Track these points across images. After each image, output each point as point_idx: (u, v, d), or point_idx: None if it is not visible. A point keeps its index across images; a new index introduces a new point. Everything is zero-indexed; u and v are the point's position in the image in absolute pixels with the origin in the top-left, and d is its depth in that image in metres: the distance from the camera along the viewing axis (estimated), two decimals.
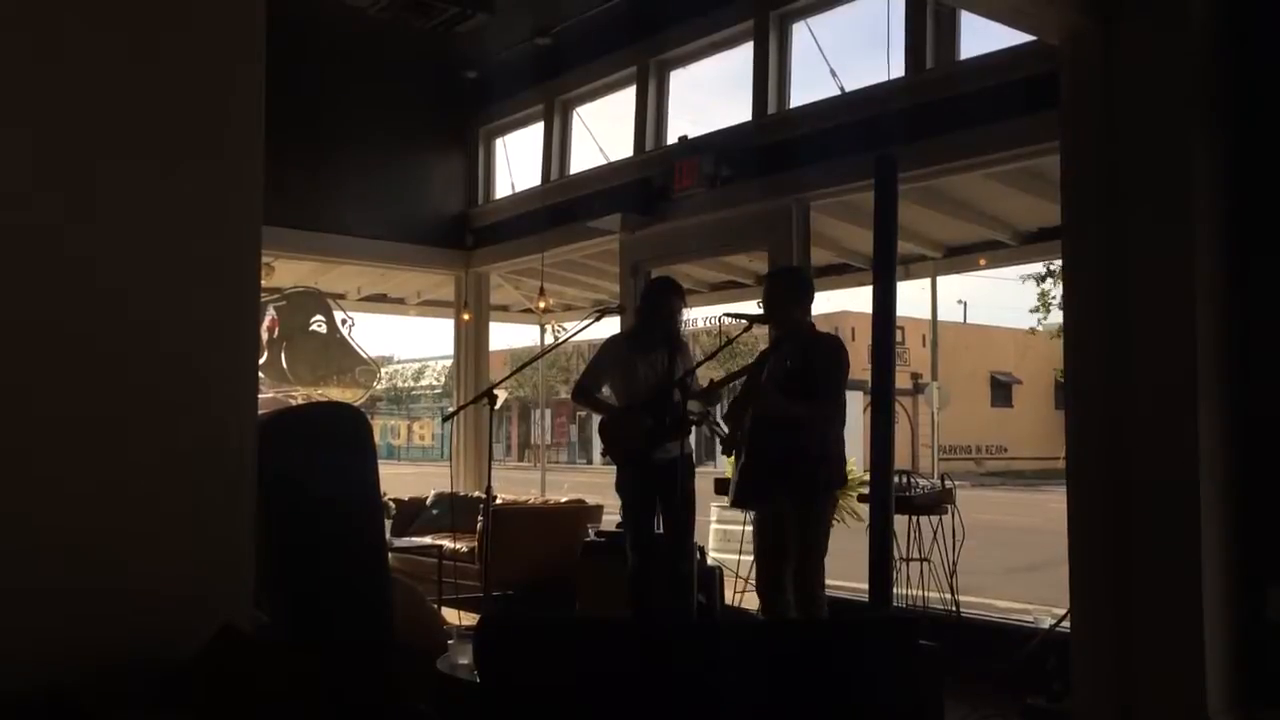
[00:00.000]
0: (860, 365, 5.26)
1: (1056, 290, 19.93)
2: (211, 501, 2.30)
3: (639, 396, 5.15)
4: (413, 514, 8.29)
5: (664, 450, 5.04)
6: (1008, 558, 10.62)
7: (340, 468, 3.22)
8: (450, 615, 5.94)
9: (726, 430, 4.91)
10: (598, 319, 5.91)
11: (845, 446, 4.71)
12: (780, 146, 6.50)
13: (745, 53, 6.88)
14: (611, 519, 6.67)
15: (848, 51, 6.71)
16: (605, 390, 5.46)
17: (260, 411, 2.59)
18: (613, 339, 5.69)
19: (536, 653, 1.84)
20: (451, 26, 7.65)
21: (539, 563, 6.88)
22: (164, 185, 2.28)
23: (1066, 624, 4.35)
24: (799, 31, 6.72)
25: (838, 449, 4.65)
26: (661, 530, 5.27)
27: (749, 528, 4.96)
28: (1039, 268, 20.36)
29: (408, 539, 7.46)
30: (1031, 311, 22.73)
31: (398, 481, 10.11)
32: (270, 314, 9.20)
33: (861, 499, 5.97)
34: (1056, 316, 20.27)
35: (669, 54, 7.55)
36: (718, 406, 5.27)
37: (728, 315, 6.41)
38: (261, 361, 8.67)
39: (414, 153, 9.05)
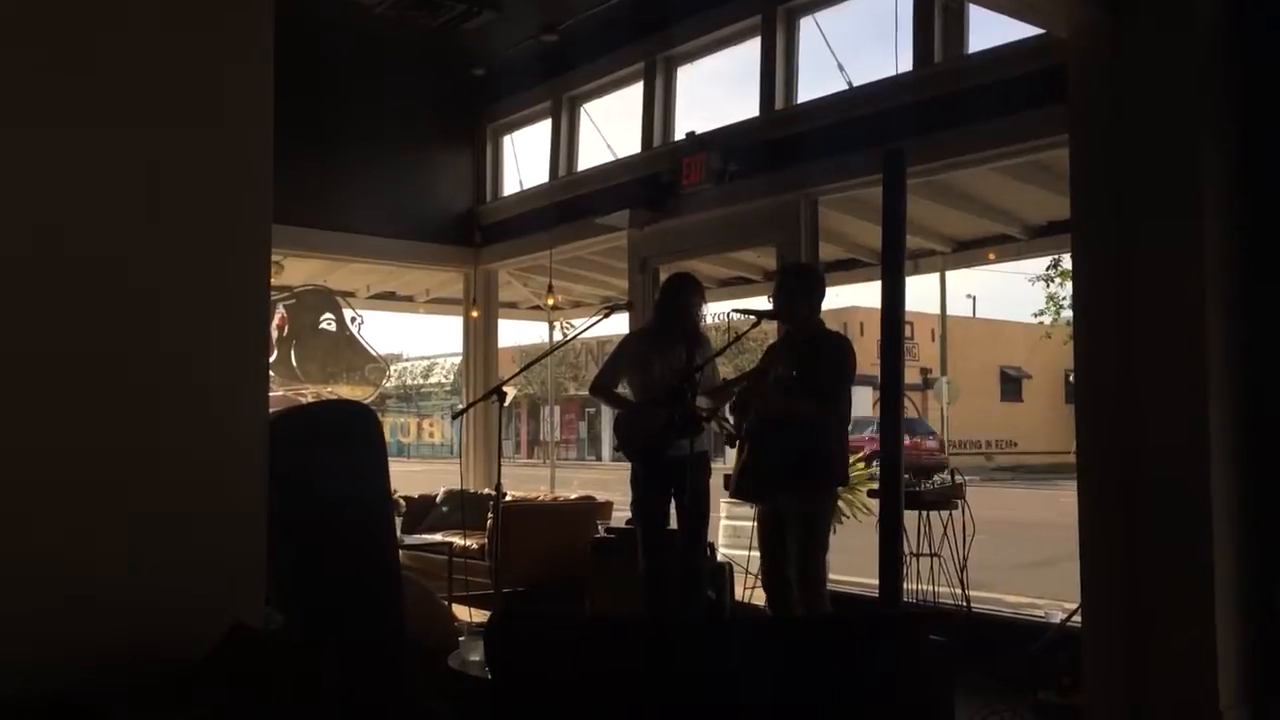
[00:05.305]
0: (869, 360, 5.25)
1: (1063, 290, 19.84)
2: (223, 500, 2.31)
3: (655, 392, 5.15)
4: (423, 511, 8.30)
5: (678, 446, 5.04)
6: (1018, 553, 10.58)
7: (351, 466, 3.22)
8: (461, 612, 5.94)
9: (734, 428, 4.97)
10: (606, 315, 5.92)
11: (848, 444, 4.77)
12: (788, 142, 6.49)
13: (752, 48, 6.87)
14: (622, 515, 6.67)
15: (855, 46, 6.70)
16: (623, 387, 5.47)
17: (270, 410, 2.59)
18: (631, 335, 5.70)
19: (547, 650, 1.84)
20: (458, 24, 7.65)
21: (549, 559, 6.88)
22: (170, 184, 2.29)
23: (1078, 619, 4.34)
24: (806, 26, 6.71)
25: (839, 447, 4.72)
26: (674, 526, 5.28)
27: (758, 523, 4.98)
28: (1045, 267, 20.29)
29: (418, 536, 7.47)
30: (1037, 315, 22.67)
31: (407, 479, 10.12)
32: (280, 312, 9.22)
33: (871, 494, 5.97)
34: (1065, 315, 20.18)
35: (676, 50, 7.54)
36: (727, 405, 5.28)
37: (736, 311, 6.41)
38: (271, 360, 8.69)
39: (422, 150, 9.05)
